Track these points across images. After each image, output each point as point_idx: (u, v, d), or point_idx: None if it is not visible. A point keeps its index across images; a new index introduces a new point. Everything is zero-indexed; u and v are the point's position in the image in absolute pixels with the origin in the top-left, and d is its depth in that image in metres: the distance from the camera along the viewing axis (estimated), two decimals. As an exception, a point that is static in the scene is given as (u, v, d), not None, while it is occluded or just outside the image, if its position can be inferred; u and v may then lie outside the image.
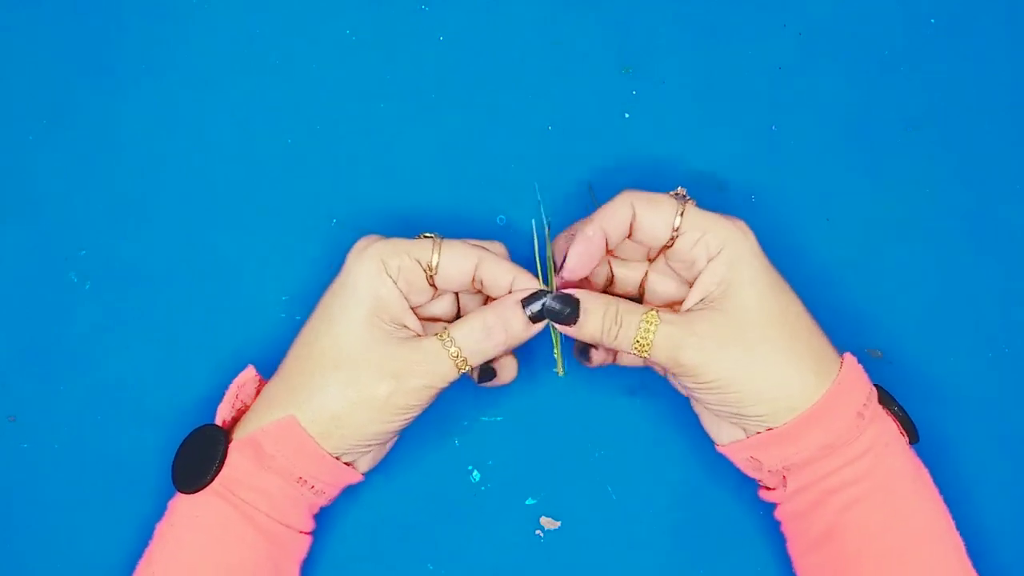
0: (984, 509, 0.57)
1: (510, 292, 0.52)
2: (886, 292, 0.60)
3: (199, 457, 0.51)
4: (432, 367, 0.50)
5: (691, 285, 0.51)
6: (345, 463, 0.52)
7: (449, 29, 0.63)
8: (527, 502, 0.58)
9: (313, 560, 0.56)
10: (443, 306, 0.54)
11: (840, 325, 0.59)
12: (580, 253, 0.51)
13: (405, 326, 0.51)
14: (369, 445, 0.52)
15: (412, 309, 0.52)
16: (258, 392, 0.54)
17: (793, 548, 0.54)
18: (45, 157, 0.61)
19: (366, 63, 0.62)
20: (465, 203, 0.61)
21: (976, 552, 0.51)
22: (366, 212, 0.60)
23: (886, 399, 0.53)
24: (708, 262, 0.50)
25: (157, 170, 0.61)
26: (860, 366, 0.52)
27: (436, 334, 0.51)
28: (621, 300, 0.51)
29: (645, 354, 0.50)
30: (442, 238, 0.52)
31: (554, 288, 0.52)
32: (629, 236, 0.52)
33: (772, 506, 0.54)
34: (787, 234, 0.60)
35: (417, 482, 0.58)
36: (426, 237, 0.52)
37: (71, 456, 0.58)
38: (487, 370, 0.54)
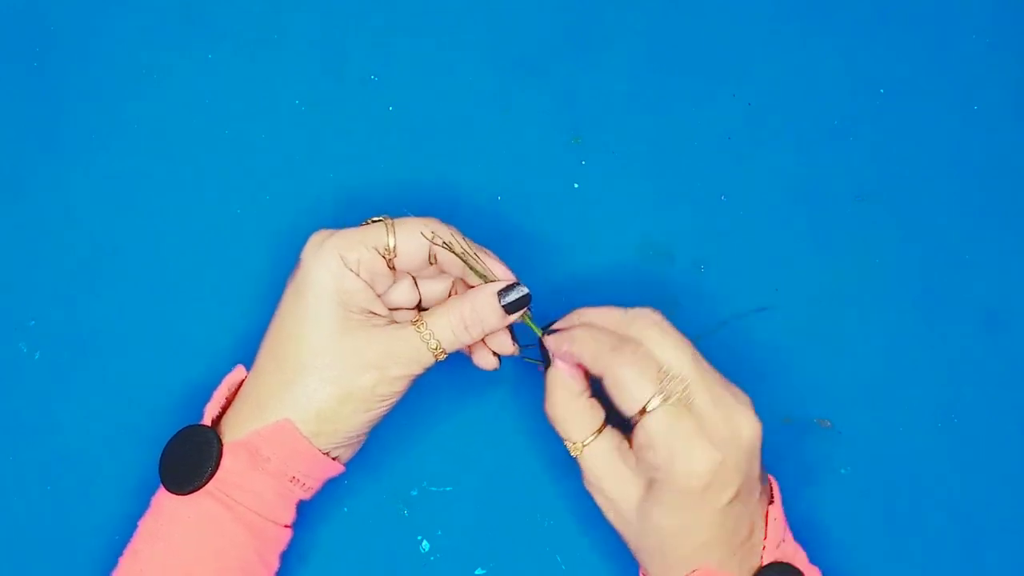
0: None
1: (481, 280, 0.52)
2: (835, 362, 0.60)
3: (192, 459, 0.51)
4: (412, 356, 0.51)
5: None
6: (332, 458, 0.53)
7: (398, 99, 0.63)
8: (476, 572, 0.58)
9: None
10: (403, 293, 0.54)
11: (789, 394, 0.59)
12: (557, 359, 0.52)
13: (376, 314, 0.52)
14: (356, 437, 0.53)
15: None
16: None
17: None
18: (-8, 226, 0.61)
19: (315, 133, 0.62)
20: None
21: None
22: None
23: None
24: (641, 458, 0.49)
25: (106, 238, 0.61)
26: None
27: (413, 323, 0.51)
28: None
29: None
30: (393, 219, 0.52)
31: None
32: None
33: None
34: (736, 304, 0.61)
35: (367, 552, 0.58)
36: (375, 221, 0.52)
37: (22, 529, 0.58)
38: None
